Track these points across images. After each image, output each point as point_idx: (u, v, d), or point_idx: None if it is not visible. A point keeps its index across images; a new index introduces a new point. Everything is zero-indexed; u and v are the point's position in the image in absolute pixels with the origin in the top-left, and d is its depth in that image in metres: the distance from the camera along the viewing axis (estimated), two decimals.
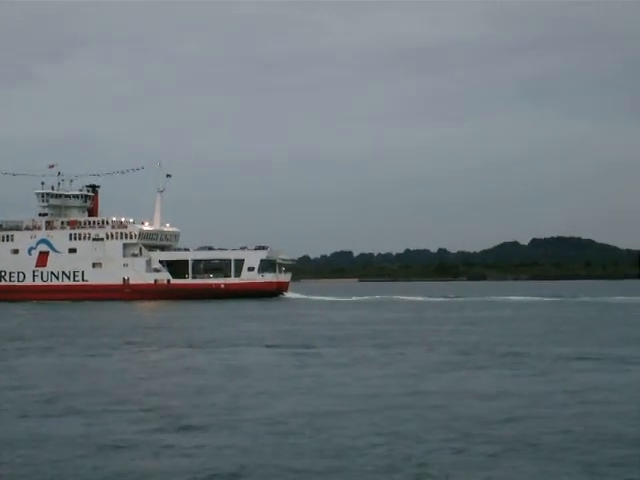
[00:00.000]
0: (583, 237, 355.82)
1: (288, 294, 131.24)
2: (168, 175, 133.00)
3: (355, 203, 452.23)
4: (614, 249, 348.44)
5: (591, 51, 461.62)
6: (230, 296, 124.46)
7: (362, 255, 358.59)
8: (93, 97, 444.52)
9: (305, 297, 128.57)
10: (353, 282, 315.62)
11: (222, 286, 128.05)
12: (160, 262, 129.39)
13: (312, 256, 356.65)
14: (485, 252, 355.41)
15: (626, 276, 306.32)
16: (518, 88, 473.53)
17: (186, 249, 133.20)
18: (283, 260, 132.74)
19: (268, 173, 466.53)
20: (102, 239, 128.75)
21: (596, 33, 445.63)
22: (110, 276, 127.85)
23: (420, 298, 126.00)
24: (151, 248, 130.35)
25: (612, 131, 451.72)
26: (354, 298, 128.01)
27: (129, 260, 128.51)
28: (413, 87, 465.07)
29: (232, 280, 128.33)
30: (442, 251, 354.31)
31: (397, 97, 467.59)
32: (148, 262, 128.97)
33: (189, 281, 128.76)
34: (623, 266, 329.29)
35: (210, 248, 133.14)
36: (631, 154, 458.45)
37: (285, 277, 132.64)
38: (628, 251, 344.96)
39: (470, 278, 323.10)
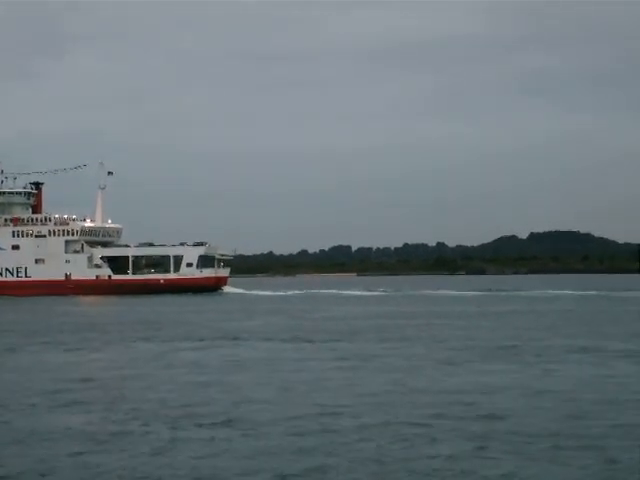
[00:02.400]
0: (581, 231, 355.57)
1: (227, 289, 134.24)
2: (110, 172, 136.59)
3: (353, 198, 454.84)
4: (612, 243, 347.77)
5: (590, 47, 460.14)
6: (170, 291, 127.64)
7: (360, 249, 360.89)
8: (93, 93, 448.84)
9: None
10: (352, 276, 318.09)
11: (162, 281, 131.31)
12: (101, 258, 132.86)
13: (310, 250, 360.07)
14: (483, 246, 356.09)
15: (624, 270, 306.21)
16: (516, 84, 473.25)
17: (127, 245, 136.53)
18: (222, 256, 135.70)
19: (268, 168, 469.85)
20: (44, 236, 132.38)
21: (595, 29, 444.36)
22: (53, 272, 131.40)
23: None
24: (93, 244, 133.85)
25: (611, 126, 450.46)
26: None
27: (71, 256, 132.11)
28: (412, 83, 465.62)
29: (171, 275, 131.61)
30: (440, 245, 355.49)
31: (396, 93, 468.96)
32: (90, 258, 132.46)
33: (129, 277, 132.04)
34: (621, 260, 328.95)
35: (151, 244, 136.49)
36: (629, 148, 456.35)
37: (224, 272, 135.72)
38: (626, 244, 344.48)
39: (468, 272, 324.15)
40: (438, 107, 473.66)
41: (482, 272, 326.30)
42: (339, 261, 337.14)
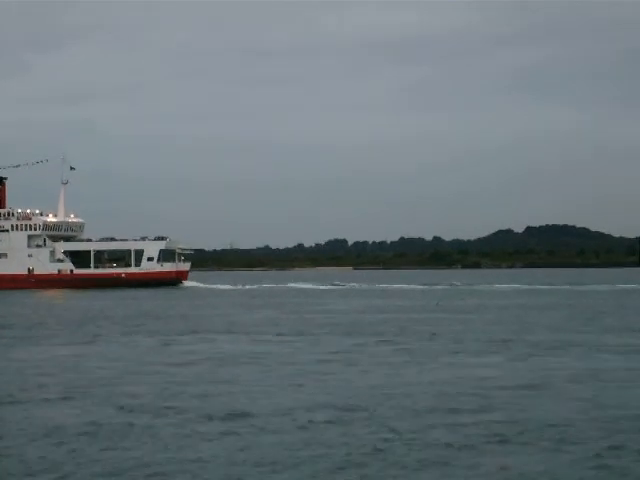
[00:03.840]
0: (577, 225, 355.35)
1: (187, 283, 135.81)
2: (72, 168, 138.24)
3: (350, 192, 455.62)
4: (608, 237, 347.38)
5: (582, 40, 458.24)
6: (131, 285, 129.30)
7: (357, 243, 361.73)
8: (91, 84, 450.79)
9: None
10: (348, 270, 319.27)
11: (123, 275, 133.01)
12: (64, 253, 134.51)
13: (307, 244, 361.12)
14: (480, 240, 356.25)
15: (620, 264, 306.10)
16: (509, 77, 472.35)
17: (89, 240, 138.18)
18: (182, 250, 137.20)
19: (265, 160, 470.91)
20: (7, 230, 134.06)
21: (587, 22, 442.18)
22: (15, 266, 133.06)
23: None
24: (55, 239, 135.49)
25: (606, 120, 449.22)
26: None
27: (33, 251, 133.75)
28: (408, 76, 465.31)
29: (132, 270, 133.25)
30: (437, 239, 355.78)
31: (394, 87, 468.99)
32: (52, 253, 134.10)
33: (91, 271, 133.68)
34: (617, 254, 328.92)
35: (112, 239, 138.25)
36: (625, 142, 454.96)
37: (184, 266, 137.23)
38: (621, 238, 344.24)
39: (465, 266, 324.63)
40: (433, 102, 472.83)
41: (478, 266, 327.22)
42: (335, 255, 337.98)
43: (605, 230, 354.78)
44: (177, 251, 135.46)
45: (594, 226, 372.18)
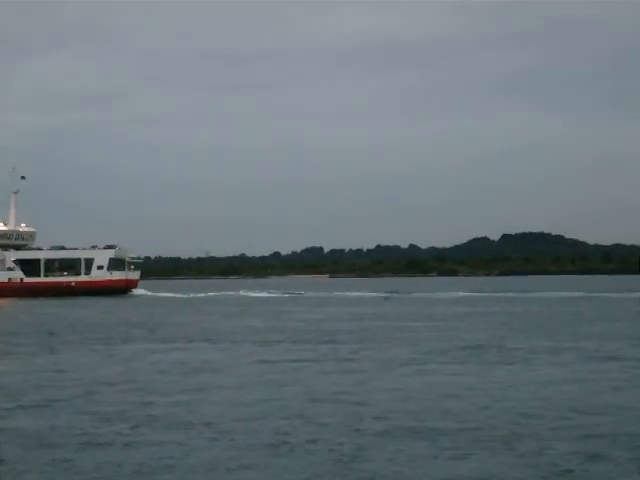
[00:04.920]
0: (553, 232, 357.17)
1: (136, 291, 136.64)
2: (22, 177, 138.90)
3: (326, 199, 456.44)
4: (583, 244, 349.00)
5: (564, 46, 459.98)
6: (81, 293, 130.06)
7: (333, 251, 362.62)
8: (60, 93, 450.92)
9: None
10: (324, 278, 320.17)
11: (73, 284, 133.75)
12: (14, 261, 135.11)
13: (283, 252, 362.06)
14: (456, 247, 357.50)
15: (595, 271, 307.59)
16: (487, 85, 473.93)
17: (39, 248, 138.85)
18: (132, 259, 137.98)
19: (238, 168, 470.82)
20: None
21: (569, 28, 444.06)
22: None
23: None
24: (6, 248, 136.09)
25: (581, 129, 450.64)
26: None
27: None
28: (384, 83, 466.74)
29: (82, 278, 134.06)
30: (413, 247, 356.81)
31: (367, 93, 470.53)
32: (2, 261, 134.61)
33: (41, 279, 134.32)
34: (592, 261, 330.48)
35: (62, 247, 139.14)
36: (599, 151, 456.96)
37: (134, 275, 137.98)
38: (596, 246, 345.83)
39: (441, 274, 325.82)
40: (409, 109, 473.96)
41: (454, 273, 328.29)
42: (312, 263, 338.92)
43: (580, 237, 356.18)
44: (127, 260, 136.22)
45: (569, 233, 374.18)
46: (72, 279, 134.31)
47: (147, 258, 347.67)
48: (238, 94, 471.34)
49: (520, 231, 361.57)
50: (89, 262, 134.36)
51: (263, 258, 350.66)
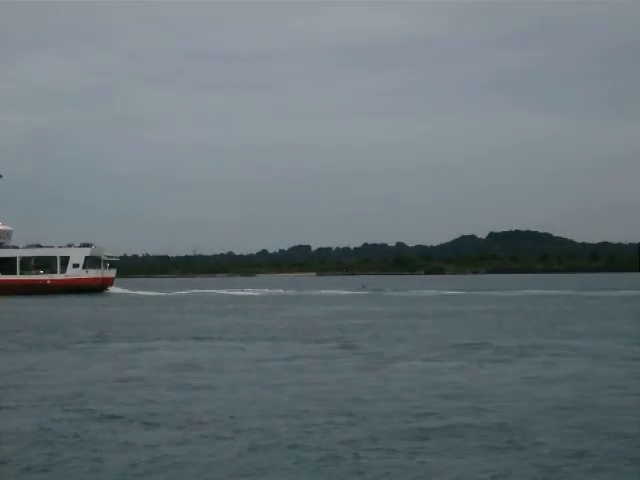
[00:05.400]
0: (540, 231, 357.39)
1: (113, 289, 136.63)
2: None
3: (313, 197, 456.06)
4: (570, 242, 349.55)
5: (554, 46, 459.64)
6: (57, 291, 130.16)
7: (320, 249, 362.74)
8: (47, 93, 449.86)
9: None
10: (311, 276, 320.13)
11: (49, 282, 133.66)
12: None
13: (270, 250, 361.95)
14: (443, 245, 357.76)
15: (582, 269, 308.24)
16: (473, 86, 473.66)
17: (15, 247, 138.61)
18: (108, 257, 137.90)
19: (226, 167, 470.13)
20: None
21: (563, 28, 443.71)
22: None
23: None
24: None
25: (571, 128, 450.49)
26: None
27: None
28: (375, 82, 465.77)
29: (58, 276, 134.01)
30: (400, 245, 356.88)
31: (357, 92, 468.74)
32: None
33: (17, 277, 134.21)
34: (579, 259, 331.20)
35: (38, 245, 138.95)
36: (585, 152, 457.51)
37: (110, 273, 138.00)
38: (583, 244, 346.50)
39: (428, 272, 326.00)
40: (399, 107, 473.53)
41: (441, 272, 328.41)
42: (299, 261, 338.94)
43: (567, 236, 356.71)
44: (103, 258, 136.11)
45: (557, 232, 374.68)
46: (48, 277, 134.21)
47: (134, 256, 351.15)
48: (234, 94, 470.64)
49: (507, 229, 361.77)
50: (65, 260, 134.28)
51: (251, 256, 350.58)
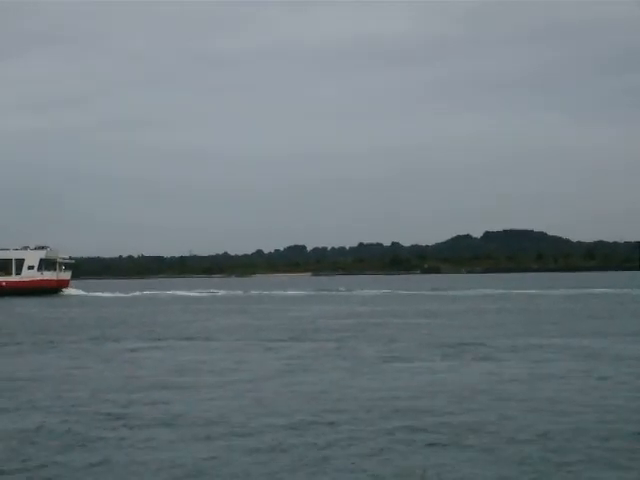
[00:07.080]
0: (535, 229, 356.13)
1: (68, 291, 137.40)
2: None
3: (308, 198, 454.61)
4: (565, 241, 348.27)
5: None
6: (12, 293, 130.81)
7: (316, 249, 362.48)
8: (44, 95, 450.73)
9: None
10: (307, 276, 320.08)
11: (3, 284, 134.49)
12: None
13: (265, 250, 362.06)
14: (438, 245, 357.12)
15: (578, 268, 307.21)
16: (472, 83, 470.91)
17: None
18: (63, 259, 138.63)
19: (222, 168, 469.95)
20: None
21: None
22: None
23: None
24: None
25: (559, 123, 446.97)
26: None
27: None
28: (365, 83, 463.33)
29: (13, 278, 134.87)
30: (395, 244, 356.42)
31: (348, 93, 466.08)
32: None
33: None
34: (575, 258, 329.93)
35: None
36: (579, 146, 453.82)
37: (65, 275, 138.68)
38: (579, 243, 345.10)
39: (423, 271, 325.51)
40: (394, 108, 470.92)
41: (437, 271, 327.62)
42: (294, 261, 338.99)
43: (562, 234, 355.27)
44: (58, 260, 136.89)
45: (552, 230, 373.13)
46: (2, 279, 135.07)
47: (130, 257, 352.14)
48: (223, 95, 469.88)
49: (502, 228, 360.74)
50: (20, 262, 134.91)
51: (246, 257, 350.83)
